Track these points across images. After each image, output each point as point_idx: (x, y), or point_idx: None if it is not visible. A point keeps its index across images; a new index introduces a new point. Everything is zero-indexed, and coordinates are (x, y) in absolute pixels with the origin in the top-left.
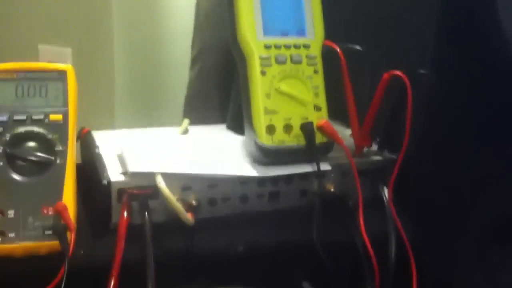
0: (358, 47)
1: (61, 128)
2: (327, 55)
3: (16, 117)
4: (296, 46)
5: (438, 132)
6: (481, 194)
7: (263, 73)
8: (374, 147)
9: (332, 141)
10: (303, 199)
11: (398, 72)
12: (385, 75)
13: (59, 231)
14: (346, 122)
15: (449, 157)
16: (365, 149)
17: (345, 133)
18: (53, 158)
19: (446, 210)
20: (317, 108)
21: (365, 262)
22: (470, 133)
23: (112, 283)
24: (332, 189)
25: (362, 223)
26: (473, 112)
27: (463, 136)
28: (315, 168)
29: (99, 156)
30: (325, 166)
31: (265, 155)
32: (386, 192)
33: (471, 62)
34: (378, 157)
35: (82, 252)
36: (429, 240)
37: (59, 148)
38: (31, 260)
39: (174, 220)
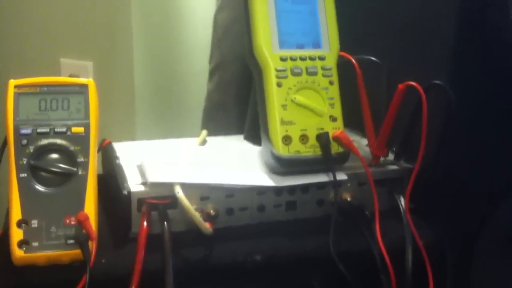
0: (373, 58)
1: (83, 140)
2: (344, 67)
3: (39, 130)
4: (312, 58)
5: (454, 141)
6: (498, 202)
7: (279, 85)
8: (391, 156)
9: (348, 151)
10: (320, 208)
11: (413, 83)
12: (400, 86)
13: (81, 240)
14: (363, 132)
15: (466, 165)
16: (382, 158)
17: (361, 143)
18: (75, 169)
19: (464, 219)
20: (333, 119)
21: (382, 272)
22: (487, 141)
23: None
24: (348, 199)
25: (378, 233)
26: (489, 121)
27: (479, 145)
28: (332, 178)
29: (119, 167)
30: (341, 176)
31: (282, 165)
32: (402, 201)
33: (486, 71)
34: (394, 167)
35: (103, 261)
36: (446, 248)
37: (81, 159)
38: (54, 269)
39: (193, 230)
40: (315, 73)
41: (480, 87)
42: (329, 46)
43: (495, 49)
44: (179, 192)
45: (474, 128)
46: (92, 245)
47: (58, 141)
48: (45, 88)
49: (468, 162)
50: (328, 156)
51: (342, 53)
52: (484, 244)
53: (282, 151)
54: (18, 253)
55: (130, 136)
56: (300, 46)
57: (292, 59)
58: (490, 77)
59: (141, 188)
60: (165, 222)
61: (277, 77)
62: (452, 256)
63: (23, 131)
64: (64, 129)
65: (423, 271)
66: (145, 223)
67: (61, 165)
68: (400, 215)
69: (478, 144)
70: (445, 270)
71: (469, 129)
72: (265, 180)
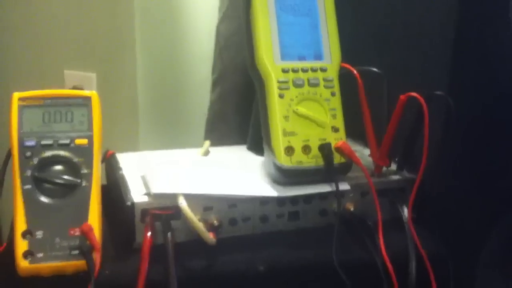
0: (375, 69)
1: (86, 151)
2: (346, 78)
3: (43, 142)
4: (313, 70)
5: (456, 151)
6: (501, 211)
7: (281, 96)
8: (393, 166)
9: (350, 162)
10: (323, 218)
11: (414, 94)
12: (402, 97)
13: (85, 251)
14: (365, 142)
15: (468, 175)
16: (384, 169)
17: (364, 153)
18: (79, 180)
19: (467, 229)
20: (335, 129)
21: (385, 282)
22: (488, 151)
23: None
24: (351, 209)
25: (381, 243)
26: (490, 131)
27: (481, 155)
28: (334, 188)
29: (123, 178)
30: (344, 186)
31: (284, 176)
32: (405, 211)
33: (487, 82)
34: (397, 177)
35: (107, 271)
36: (449, 258)
37: (84, 171)
38: (58, 280)
39: (196, 240)
40: (317, 85)
41: (480, 98)
42: (331, 58)
43: (494, 61)
44: (182, 203)
45: (475, 138)
46: (96, 256)
47: (62, 153)
48: (49, 101)
49: (470, 172)
50: (330, 167)
51: (344, 64)
52: (487, 255)
53: (285, 161)
54: (23, 264)
55: (134, 147)
56: (302, 58)
57: (294, 70)
58: (490, 88)
59: (145, 199)
60: (169, 233)
61: (279, 88)
62: (455, 267)
63: (27, 143)
64: (67, 141)
65: (427, 281)
66: (148, 234)
67: (65, 176)
68: (402, 225)
69: (480, 154)
70: (448, 281)
71: (471, 139)
72: (268, 190)
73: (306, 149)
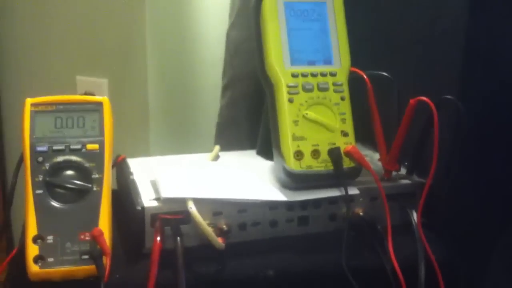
0: (384, 74)
1: (97, 156)
2: (355, 82)
3: (55, 147)
4: (323, 74)
5: (466, 155)
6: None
7: (290, 100)
8: (403, 171)
9: (360, 166)
10: (332, 223)
11: (424, 98)
12: (412, 101)
13: (96, 256)
14: (375, 147)
15: (478, 180)
16: (394, 173)
17: (373, 158)
18: (90, 185)
19: (477, 234)
20: (344, 134)
21: (394, 287)
22: (499, 155)
23: None
24: (361, 213)
25: (391, 248)
26: (500, 135)
27: (491, 159)
28: (344, 193)
29: (133, 183)
30: (353, 191)
31: (294, 180)
32: (415, 216)
33: (497, 86)
34: (406, 181)
35: (117, 276)
36: (459, 264)
37: (95, 176)
38: (69, 284)
39: (205, 245)
40: (326, 89)
41: (490, 102)
42: (340, 62)
43: (504, 65)
44: (192, 208)
45: (485, 143)
46: (106, 261)
47: (73, 158)
48: (61, 106)
49: (480, 176)
50: (340, 171)
51: (353, 69)
52: (498, 261)
53: (294, 166)
54: (33, 268)
55: (144, 151)
56: (311, 63)
57: (304, 75)
58: (500, 92)
59: (155, 203)
60: (178, 237)
61: (289, 93)
62: (465, 272)
63: (39, 149)
64: (79, 146)
65: (436, 286)
66: (158, 238)
67: (76, 181)
68: (412, 230)
69: (490, 159)
70: (458, 286)
71: (481, 144)
72: (277, 195)
73: (315, 153)
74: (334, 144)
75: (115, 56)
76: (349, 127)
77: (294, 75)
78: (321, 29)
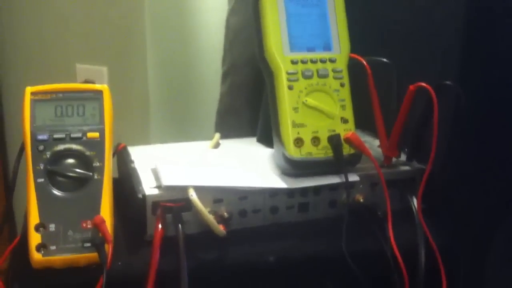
0: (384, 59)
1: (98, 145)
2: (355, 68)
3: (55, 136)
4: (322, 61)
5: (465, 141)
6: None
7: (290, 87)
8: (403, 157)
9: (360, 153)
10: (332, 210)
11: (423, 84)
12: (411, 87)
13: (98, 244)
14: (374, 133)
15: (478, 165)
16: (394, 159)
17: (373, 144)
18: (91, 173)
19: (476, 219)
20: (344, 121)
21: (395, 272)
22: (499, 141)
23: None
24: (361, 200)
25: (391, 233)
26: (500, 120)
27: (491, 145)
28: (344, 179)
29: (134, 171)
30: (353, 177)
31: (294, 167)
32: (415, 202)
33: (496, 71)
34: (406, 168)
35: (119, 263)
36: (459, 249)
37: (96, 164)
38: (71, 272)
39: (207, 232)
40: (326, 76)
41: (490, 88)
42: (340, 48)
43: (504, 51)
44: (193, 195)
45: (485, 129)
46: (108, 248)
47: (74, 146)
48: (61, 95)
49: (480, 162)
50: (339, 158)
51: (353, 55)
52: (498, 246)
53: (294, 153)
54: (36, 256)
55: (145, 140)
56: (311, 49)
57: (303, 62)
58: (500, 78)
59: (156, 191)
60: (179, 225)
61: (288, 80)
62: (465, 257)
63: (40, 137)
64: (79, 135)
65: (436, 271)
66: (159, 226)
67: (77, 170)
68: (412, 216)
69: (489, 144)
70: (458, 271)
71: (480, 130)
72: (278, 182)
73: (315, 140)
74: (334, 131)
75: (115, 44)
76: (349, 113)
77: (293, 62)
78: (320, 15)
